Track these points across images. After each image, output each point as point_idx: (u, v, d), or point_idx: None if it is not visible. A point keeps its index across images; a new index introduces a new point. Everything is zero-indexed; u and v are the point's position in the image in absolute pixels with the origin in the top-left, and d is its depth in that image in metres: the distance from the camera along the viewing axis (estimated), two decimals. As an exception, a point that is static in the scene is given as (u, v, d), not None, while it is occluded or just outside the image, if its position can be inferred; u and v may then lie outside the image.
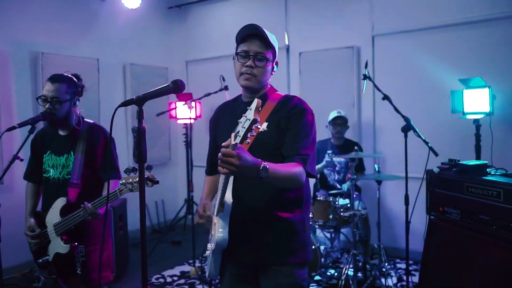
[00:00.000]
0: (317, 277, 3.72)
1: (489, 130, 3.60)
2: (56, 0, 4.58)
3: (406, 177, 3.18)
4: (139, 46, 5.52)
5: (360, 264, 3.60)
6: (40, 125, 2.49)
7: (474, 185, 2.30)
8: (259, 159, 1.48)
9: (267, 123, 1.75)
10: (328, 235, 4.06)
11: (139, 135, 1.47)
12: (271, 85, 1.90)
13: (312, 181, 3.74)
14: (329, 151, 3.96)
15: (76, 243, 2.37)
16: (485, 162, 2.47)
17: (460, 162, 2.50)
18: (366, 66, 3.30)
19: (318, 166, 4.13)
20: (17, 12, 4.23)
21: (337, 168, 4.26)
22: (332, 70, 4.81)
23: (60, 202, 2.39)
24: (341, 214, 3.55)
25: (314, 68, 4.94)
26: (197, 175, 4.88)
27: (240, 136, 1.37)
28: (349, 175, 3.44)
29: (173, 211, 5.69)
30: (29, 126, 2.30)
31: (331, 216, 3.56)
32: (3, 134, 2.30)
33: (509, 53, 3.86)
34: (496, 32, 3.93)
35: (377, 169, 3.71)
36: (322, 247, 3.73)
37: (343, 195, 3.88)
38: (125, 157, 5.07)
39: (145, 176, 2.06)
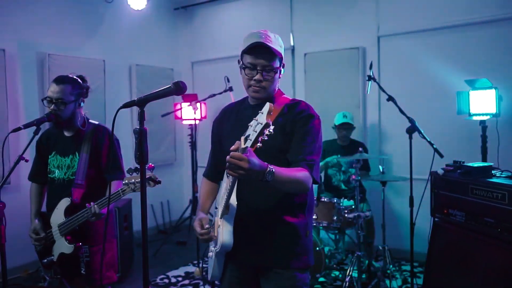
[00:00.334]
0: (322, 279, 3.71)
1: (495, 131, 3.57)
2: (63, 2, 4.61)
3: (411, 179, 3.16)
4: (145, 47, 5.54)
5: (364, 266, 3.58)
6: (46, 126, 2.50)
7: (479, 187, 2.29)
8: (266, 163, 1.48)
9: (273, 126, 1.74)
10: (332, 236, 4.05)
11: (141, 136, 1.47)
12: (278, 88, 1.88)
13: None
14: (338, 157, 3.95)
15: (80, 243, 2.39)
16: (490, 164, 2.46)
17: (465, 163, 2.48)
18: (370, 67, 3.28)
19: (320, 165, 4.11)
20: (24, 14, 4.27)
21: (342, 169, 4.25)
22: (337, 71, 4.80)
23: (64, 203, 2.41)
24: (345, 215, 3.54)
25: (319, 69, 4.93)
26: (201, 175, 4.88)
27: (251, 140, 1.36)
28: (354, 176, 3.42)
29: (179, 212, 5.71)
30: (34, 127, 2.32)
31: (335, 218, 3.55)
32: (9, 135, 2.32)
33: (515, 54, 3.83)
34: (503, 33, 3.90)
35: (381, 170, 3.70)
36: (326, 249, 3.72)
37: (347, 196, 3.87)
38: (130, 158, 5.08)
39: (147, 176, 2.07)
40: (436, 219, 2.62)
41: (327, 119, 4.55)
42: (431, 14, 4.25)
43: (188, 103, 4.20)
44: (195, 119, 4.52)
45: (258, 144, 1.38)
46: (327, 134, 4.40)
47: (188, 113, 4.68)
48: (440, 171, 2.56)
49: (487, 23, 3.96)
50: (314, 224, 3.63)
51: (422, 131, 3.09)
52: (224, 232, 1.71)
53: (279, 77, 1.81)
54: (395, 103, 3.20)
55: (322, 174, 4.30)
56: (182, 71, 5.98)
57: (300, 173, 1.64)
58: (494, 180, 2.26)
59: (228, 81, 4.17)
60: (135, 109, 5.21)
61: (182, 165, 6.06)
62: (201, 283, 3.90)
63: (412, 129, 3.09)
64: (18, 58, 4.21)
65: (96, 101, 4.71)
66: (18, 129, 2.27)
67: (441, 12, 4.19)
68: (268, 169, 1.47)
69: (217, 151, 1.99)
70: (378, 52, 4.56)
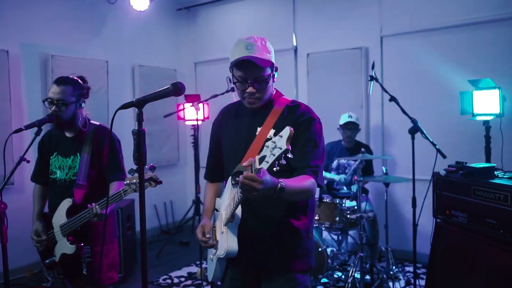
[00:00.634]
0: (324, 280, 3.70)
1: (499, 132, 3.54)
2: (66, 4, 4.63)
3: (414, 180, 3.14)
4: (148, 48, 5.56)
5: (367, 267, 3.57)
6: (47, 127, 2.51)
7: (481, 188, 2.27)
8: (276, 178, 1.47)
9: (274, 130, 1.72)
10: (335, 237, 4.04)
11: (139, 137, 1.47)
12: (276, 90, 1.87)
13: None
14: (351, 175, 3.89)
15: (82, 244, 2.39)
16: (493, 164, 2.43)
17: (467, 164, 2.46)
18: (372, 67, 3.27)
19: (327, 176, 4.10)
20: (27, 15, 4.29)
21: (346, 171, 4.23)
22: (340, 71, 4.78)
23: (66, 203, 2.41)
24: (348, 216, 3.52)
25: (322, 69, 4.92)
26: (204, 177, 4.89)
27: (267, 162, 1.36)
28: (356, 177, 3.41)
29: (182, 212, 5.72)
30: (36, 128, 2.33)
31: (337, 219, 3.54)
32: (11, 136, 2.33)
33: (519, 53, 3.80)
34: (506, 33, 3.87)
35: (384, 171, 3.68)
36: (329, 250, 3.71)
37: (350, 197, 3.85)
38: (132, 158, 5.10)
39: (148, 177, 2.07)
40: (438, 220, 2.60)
41: (330, 119, 4.53)
42: (434, 14, 4.23)
43: (190, 104, 4.20)
44: (197, 120, 4.52)
45: (275, 168, 1.37)
46: (331, 135, 4.40)
47: (191, 113, 4.68)
48: (442, 172, 2.54)
49: (490, 23, 3.94)
50: (316, 225, 3.62)
51: (425, 132, 3.07)
52: (229, 240, 1.71)
53: (274, 81, 1.79)
54: (398, 103, 3.18)
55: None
56: (185, 72, 5.99)
57: (307, 182, 1.64)
58: (496, 181, 2.24)
59: (230, 81, 4.15)
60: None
61: (185, 165, 6.07)
62: (204, 283, 3.90)
63: (414, 129, 3.07)
64: (21, 59, 4.23)
65: (99, 101, 4.73)
66: (20, 130, 2.27)
67: (444, 12, 4.17)
68: (279, 186, 1.47)
69: (216, 152, 1.98)
70: (381, 52, 4.54)
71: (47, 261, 2.47)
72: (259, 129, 1.76)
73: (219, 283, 1.95)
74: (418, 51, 4.32)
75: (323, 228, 3.71)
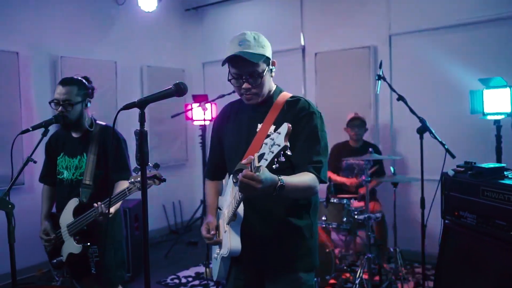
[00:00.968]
0: (332, 281, 3.67)
1: (510, 131, 3.47)
2: (75, 5, 4.68)
3: (422, 180, 3.10)
4: (156, 48, 5.58)
5: (375, 268, 3.53)
6: (54, 128, 2.53)
7: (490, 188, 2.22)
8: (276, 176, 1.45)
9: (274, 126, 1.70)
10: (343, 238, 4.00)
11: (141, 138, 1.47)
12: (277, 85, 1.85)
13: (325, 184, 3.69)
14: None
15: (88, 243, 2.41)
16: (503, 165, 2.38)
17: (476, 164, 2.41)
18: (380, 66, 3.23)
19: (337, 180, 4.08)
20: (37, 17, 4.34)
21: (355, 171, 4.19)
22: (348, 71, 4.75)
23: (73, 203, 2.43)
24: (355, 217, 3.49)
25: (330, 69, 4.89)
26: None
27: (266, 160, 1.34)
28: (363, 177, 3.37)
29: (190, 212, 5.73)
30: (43, 129, 2.35)
31: (345, 219, 3.51)
32: (18, 136, 2.35)
33: (531, 51, 3.74)
34: (518, 30, 3.80)
35: (393, 171, 3.64)
36: (337, 250, 3.68)
37: (357, 197, 3.82)
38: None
39: (152, 175, 2.08)
40: (446, 221, 2.55)
41: (338, 119, 4.51)
42: (443, 11, 4.17)
43: (198, 104, 4.21)
44: (204, 120, 4.52)
45: (274, 165, 1.36)
46: (339, 135, 4.37)
47: (198, 113, 4.69)
48: (451, 172, 2.49)
49: (501, 20, 3.87)
50: (324, 226, 3.60)
51: (433, 131, 3.03)
52: (232, 239, 1.70)
53: (272, 76, 1.78)
54: (406, 102, 3.14)
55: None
56: (193, 72, 6.00)
57: (308, 179, 1.62)
58: (506, 181, 2.18)
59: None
60: (148, 110, 5.25)
61: (194, 165, 6.08)
62: (211, 283, 3.91)
63: (422, 129, 3.03)
64: (31, 61, 4.28)
65: (108, 102, 4.77)
66: (27, 130, 2.30)
67: (454, 10, 4.11)
68: (279, 183, 1.45)
69: (217, 151, 1.97)
70: (390, 51, 4.49)
71: (54, 261, 2.49)
72: (259, 125, 1.74)
73: (224, 281, 1.95)
74: (428, 49, 4.27)
75: (331, 229, 3.68)
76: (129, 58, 5.20)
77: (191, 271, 4.30)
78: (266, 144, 1.36)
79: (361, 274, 3.35)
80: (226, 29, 5.77)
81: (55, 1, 4.49)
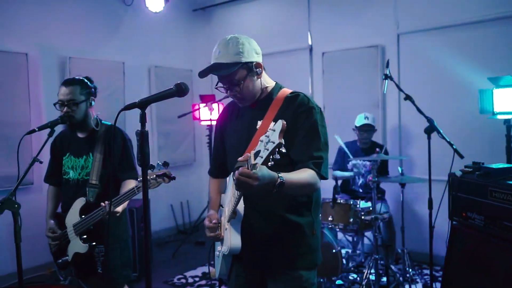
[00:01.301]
0: (339, 281, 3.65)
1: (520, 131, 3.42)
2: (83, 6, 4.71)
3: (430, 180, 3.06)
4: (164, 48, 5.60)
5: (382, 269, 3.50)
6: (60, 128, 2.55)
7: (498, 189, 2.18)
8: (275, 173, 1.44)
9: (274, 123, 1.70)
10: (350, 238, 3.98)
11: (142, 138, 1.47)
12: (276, 82, 1.84)
13: (331, 184, 3.67)
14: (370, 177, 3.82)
15: (94, 243, 2.42)
16: (511, 165, 2.34)
17: (484, 165, 2.37)
18: (387, 66, 3.20)
19: (345, 174, 4.05)
20: (46, 18, 4.38)
21: (362, 171, 4.16)
22: (355, 70, 4.72)
23: (79, 203, 2.45)
24: (362, 217, 3.46)
25: (337, 68, 4.86)
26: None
27: (262, 157, 1.32)
28: (370, 178, 3.34)
29: (198, 212, 5.74)
30: (49, 129, 2.37)
31: (351, 220, 3.48)
32: (24, 137, 2.36)
33: (542, 49, 3.67)
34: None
35: (400, 171, 3.60)
36: (344, 251, 3.66)
37: (365, 197, 3.79)
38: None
39: (162, 173, 2.08)
40: (454, 222, 2.52)
41: (346, 119, 4.48)
42: (452, 10, 4.11)
43: (204, 104, 4.21)
44: (211, 120, 4.53)
45: (270, 162, 1.34)
46: (347, 135, 4.33)
47: (205, 113, 4.69)
48: (458, 173, 2.46)
49: (510, 18, 3.80)
50: (330, 226, 3.58)
51: (441, 131, 2.99)
52: (232, 236, 1.70)
53: (258, 77, 1.75)
54: (413, 102, 3.11)
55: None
56: (202, 72, 6.00)
57: (309, 176, 1.60)
58: (514, 182, 2.15)
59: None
60: (154, 110, 5.35)
61: (202, 165, 6.09)
62: (217, 283, 3.90)
63: (430, 129, 3.00)
64: (40, 62, 4.33)
65: (115, 102, 4.80)
66: (33, 131, 2.32)
67: (462, 8, 4.05)
68: (278, 181, 1.44)
69: (220, 149, 1.98)
70: (398, 50, 4.45)
71: (60, 261, 2.50)
72: (259, 123, 1.73)
73: (226, 278, 1.95)
74: (436, 48, 4.21)
75: (337, 229, 3.66)
76: (137, 58, 5.23)
77: (198, 271, 4.31)
78: (262, 141, 1.34)
79: (368, 275, 3.32)
80: (234, 29, 5.76)
81: (63, 2, 4.53)
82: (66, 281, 2.91)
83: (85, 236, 2.42)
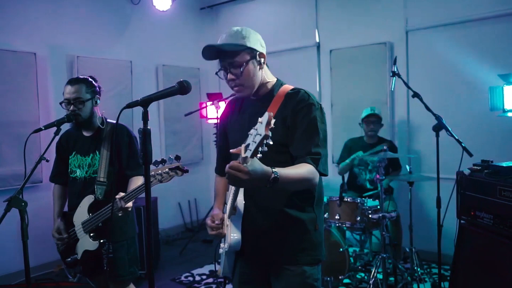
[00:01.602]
0: (347, 280, 3.63)
1: (532, 128, 3.37)
2: (90, 6, 4.73)
3: (438, 179, 3.02)
4: (171, 47, 5.61)
5: (391, 267, 3.47)
6: (65, 127, 2.57)
7: (508, 188, 2.15)
8: (270, 168, 1.43)
9: (274, 120, 1.70)
10: (357, 237, 3.95)
11: (144, 136, 1.47)
12: (277, 79, 1.84)
13: (338, 181, 3.65)
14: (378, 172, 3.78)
15: (104, 240, 2.44)
16: (521, 163, 2.30)
17: (493, 163, 2.34)
18: (394, 63, 3.17)
19: (346, 162, 4.01)
20: (54, 18, 4.41)
21: (369, 167, 4.13)
22: (364, 67, 4.68)
23: (88, 200, 2.46)
24: (370, 216, 3.43)
25: (345, 66, 4.82)
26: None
27: (251, 150, 1.33)
28: (378, 176, 3.31)
29: (205, 210, 5.76)
30: (55, 128, 2.39)
31: (358, 218, 3.45)
32: (32, 135, 2.38)
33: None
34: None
35: (408, 169, 3.56)
36: (351, 250, 3.63)
37: (372, 196, 3.75)
38: (157, 157, 5.17)
39: (175, 166, 2.08)
40: (462, 221, 2.48)
41: (354, 117, 4.45)
42: (461, 5, 4.05)
43: (211, 102, 4.22)
44: (217, 118, 4.53)
45: (258, 154, 1.33)
46: (354, 132, 4.31)
47: (212, 112, 4.69)
48: (466, 171, 2.42)
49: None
50: (338, 225, 3.55)
51: (450, 129, 2.94)
52: (232, 233, 1.70)
53: (261, 67, 1.75)
54: (421, 99, 3.07)
55: (346, 174, 4.18)
56: (209, 70, 6.00)
57: (306, 171, 1.58)
58: (524, 181, 2.12)
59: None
60: (162, 108, 5.35)
61: (209, 163, 6.09)
62: (223, 281, 3.90)
63: (438, 126, 2.95)
64: (48, 61, 4.36)
65: (123, 101, 4.81)
66: (39, 130, 2.34)
67: (472, 4, 3.99)
68: (272, 176, 1.42)
69: (224, 146, 1.97)
70: (407, 47, 4.39)
71: (69, 259, 2.52)
72: (260, 119, 1.72)
73: (230, 276, 1.95)
74: (445, 45, 4.15)
75: (345, 228, 3.63)
76: (145, 57, 5.24)
77: (205, 269, 4.31)
78: (251, 134, 1.34)
79: (375, 274, 3.30)
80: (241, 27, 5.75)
81: (71, 2, 4.55)
82: (75, 278, 2.93)
83: (93, 234, 2.43)
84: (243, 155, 1.35)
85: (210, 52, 1.69)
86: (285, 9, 5.37)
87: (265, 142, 1.28)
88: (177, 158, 2.06)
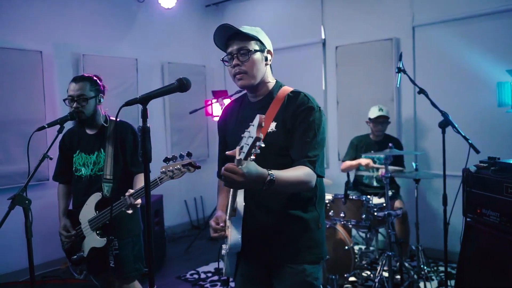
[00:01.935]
0: (352, 278, 3.60)
1: (540, 125, 3.31)
2: (96, 4, 4.75)
3: (444, 176, 2.98)
4: (177, 45, 5.60)
5: (396, 266, 3.44)
6: (68, 126, 2.57)
7: (515, 185, 2.11)
8: (266, 170, 1.44)
9: (275, 123, 1.70)
10: (363, 235, 3.92)
11: (144, 134, 1.46)
12: (277, 80, 1.83)
13: (343, 179, 3.62)
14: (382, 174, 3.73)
15: (111, 237, 2.45)
16: (528, 160, 2.26)
17: (500, 160, 2.30)
18: (400, 59, 3.13)
19: (352, 163, 3.98)
20: (59, 17, 4.43)
21: (374, 175, 4.09)
22: (370, 64, 4.63)
23: (95, 197, 2.47)
24: (375, 214, 3.40)
25: (351, 62, 4.78)
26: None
27: (244, 152, 1.34)
28: (383, 173, 3.28)
29: (211, 207, 5.76)
30: (58, 126, 2.39)
31: (363, 216, 3.42)
32: (36, 133, 2.39)
33: None
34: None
35: (414, 167, 3.53)
36: (357, 247, 3.61)
37: (378, 193, 3.72)
38: (163, 155, 5.19)
39: (187, 162, 2.08)
40: (468, 219, 2.45)
41: (360, 114, 4.42)
42: (469, 0, 3.99)
43: (215, 100, 4.21)
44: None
45: (252, 156, 1.35)
46: (361, 129, 4.27)
47: (218, 109, 4.69)
48: (472, 168, 2.38)
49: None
50: (343, 222, 3.53)
51: (456, 125, 2.90)
52: (232, 234, 1.70)
53: (266, 63, 1.76)
54: (427, 96, 3.02)
55: (352, 172, 4.15)
56: (214, 68, 6.00)
57: (303, 173, 1.59)
58: (531, 178, 2.08)
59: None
60: (168, 107, 5.33)
61: (215, 161, 5.96)
62: (231, 279, 3.91)
63: (445, 123, 2.91)
64: (54, 59, 4.38)
65: (128, 99, 4.80)
66: (42, 128, 2.34)
67: (480, -2, 3.93)
68: (268, 178, 1.43)
69: (224, 150, 1.95)
70: (413, 43, 4.34)
71: (75, 256, 2.53)
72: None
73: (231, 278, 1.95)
74: (453, 40, 4.10)
75: (350, 226, 3.60)
76: (150, 55, 5.25)
77: (210, 267, 4.32)
78: (244, 136, 1.36)
79: (381, 272, 3.27)
80: (247, 24, 5.69)
81: (76, 0, 4.57)
82: (81, 276, 2.95)
83: (100, 231, 2.44)
84: (237, 157, 1.37)
85: (222, 34, 1.72)
86: (291, 5, 5.34)
87: (257, 144, 1.30)
88: (189, 154, 2.07)
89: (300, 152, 1.65)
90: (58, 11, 4.41)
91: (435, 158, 4.20)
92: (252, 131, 1.31)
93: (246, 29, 1.72)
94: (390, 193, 3.43)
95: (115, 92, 4.57)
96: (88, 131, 2.57)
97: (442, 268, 3.92)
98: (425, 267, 3.51)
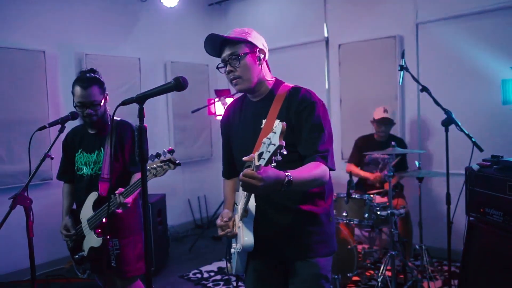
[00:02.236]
0: (355, 278, 3.58)
1: (546, 122, 3.27)
2: (99, 3, 4.75)
3: (447, 175, 2.95)
4: (180, 44, 5.60)
5: (399, 265, 3.42)
6: (70, 125, 2.57)
7: (518, 184, 2.08)
8: (283, 172, 1.45)
9: (278, 121, 1.69)
10: (366, 234, 3.90)
11: (140, 134, 1.45)
12: (275, 78, 1.84)
13: (345, 177, 3.59)
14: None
15: (108, 236, 2.44)
16: (532, 158, 2.23)
17: (503, 158, 2.27)
18: (402, 56, 3.10)
19: (359, 174, 3.97)
20: (63, 16, 4.44)
21: (380, 166, 4.06)
22: (373, 62, 4.60)
23: (92, 197, 2.47)
24: (378, 213, 3.38)
25: (354, 60, 4.76)
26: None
27: (264, 159, 1.35)
28: (385, 172, 3.26)
29: (215, 207, 5.76)
30: (60, 126, 2.39)
31: (366, 215, 3.40)
32: (36, 133, 2.39)
33: None
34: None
35: (418, 165, 3.50)
36: (360, 247, 3.59)
37: (381, 193, 3.70)
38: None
39: (167, 159, 2.07)
40: (471, 218, 2.42)
41: (363, 112, 4.40)
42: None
43: (218, 99, 4.20)
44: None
45: (272, 164, 1.36)
46: (364, 128, 4.25)
47: (220, 108, 4.68)
48: (475, 167, 2.36)
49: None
50: (345, 222, 3.51)
51: (459, 124, 2.87)
52: (244, 234, 1.73)
53: (261, 63, 1.77)
54: (430, 94, 3.00)
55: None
56: (218, 67, 5.99)
57: (317, 169, 1.61)
58: (535, 176, 2.05)
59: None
60: (171, 106, 5.33)
61: (219, 160, 6.00)
62: (233, 278, 3.90)
63: (448, 121, 2.88)
64: (57, 59, 4.40)
65: (132, 98, 4.82)
66: (43, 127, 2.35)
67: (484, -6, 3.88)
68: (286, 180, 1.45)
69: (228, 149, 1.99)
70: (417, 40, 4.31)
71: (77, 256, 2.53)
72: (264, 121, 1.75)
73: (243, 275, 1.97)
74: (456, 37, 4.05)
75: (353, 225, 3.58)
76: (153, 54, 5.25)
77: (213, 266, 4.32)
78: (264, 143, 1.36)
79: (384, 272, 3.25)
80: (250, 23, 5.71)
81: (79, 0, 4.58)
82: (85, 275, 2.96)
83: (98, 230, 2.44)
84: (256, 163, 1.37)
85: (212, 44, 1.75)
86: (294, 3, 5.32)
87: (279, 151, 1.31)
88: (171, 152, 2.06)
89: (310, 148, 1.67)
90: (61, 10, 4.43)
91: (439, 156, 4.17)
92: (273, 139, 1.32)
93: (234, 33, 1.74)
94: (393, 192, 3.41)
95: (118, 91, 4.58)
96: (90, 131, 2.56)
97: (445, 267, 3.89)
98: (429, 266, 3.48)
